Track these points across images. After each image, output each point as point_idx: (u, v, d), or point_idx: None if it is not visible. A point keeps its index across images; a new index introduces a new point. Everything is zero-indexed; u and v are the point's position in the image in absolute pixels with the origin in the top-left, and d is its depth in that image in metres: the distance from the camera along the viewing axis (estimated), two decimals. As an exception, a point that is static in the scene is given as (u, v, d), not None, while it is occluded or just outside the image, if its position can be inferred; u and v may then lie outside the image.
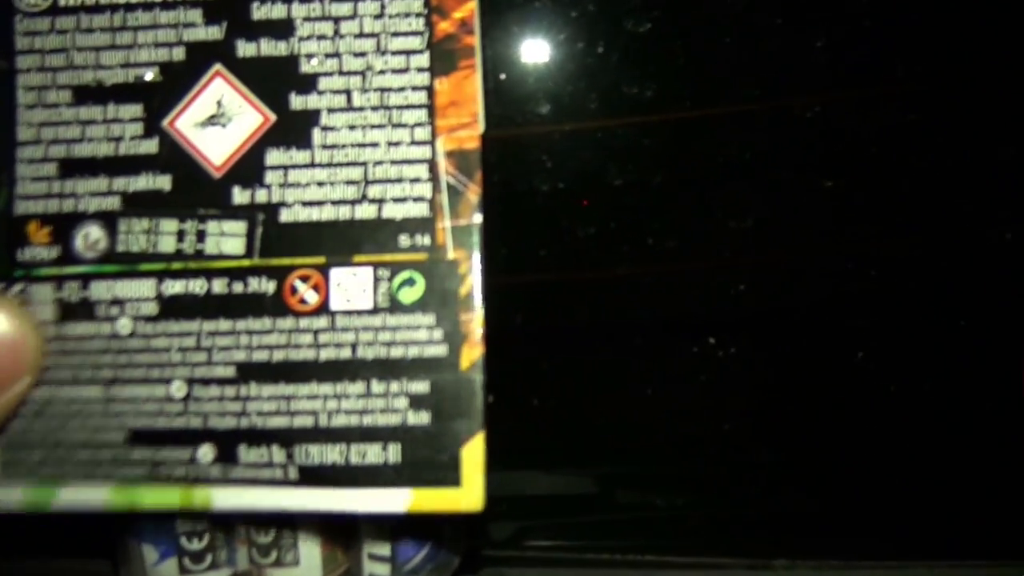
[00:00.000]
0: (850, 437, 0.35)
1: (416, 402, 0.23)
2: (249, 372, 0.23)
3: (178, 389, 0.24)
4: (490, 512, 0.34)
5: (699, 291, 0.32)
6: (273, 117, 0.24)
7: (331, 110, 0.24)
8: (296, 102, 0.24)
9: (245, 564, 0.28)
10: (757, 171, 0.30)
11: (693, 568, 0.32)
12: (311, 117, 0.24)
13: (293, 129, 0.24)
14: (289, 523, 0.27)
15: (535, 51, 0.30)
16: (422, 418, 0.23)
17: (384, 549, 0.28)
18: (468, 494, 0.23)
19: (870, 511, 0.36)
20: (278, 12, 0.24)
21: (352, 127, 0.24)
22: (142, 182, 0.24)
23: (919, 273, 0.32)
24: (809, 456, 0.35)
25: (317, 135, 0.24)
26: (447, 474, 0.23)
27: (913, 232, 0.32)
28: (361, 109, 0.24)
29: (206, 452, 0.23)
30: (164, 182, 0.24)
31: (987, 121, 0.30)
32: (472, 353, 0.23)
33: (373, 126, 0.24)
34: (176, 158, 0.24)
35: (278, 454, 0.23)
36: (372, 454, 0.23)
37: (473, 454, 0.23)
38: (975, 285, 0.32)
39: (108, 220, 0.24)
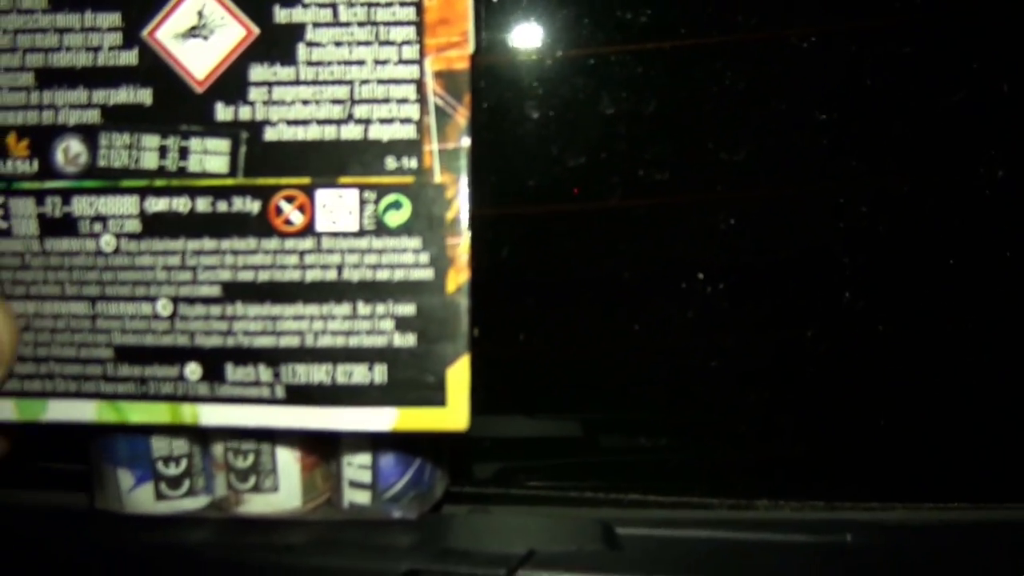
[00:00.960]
0: (834, 379, 0.36)
1: (402, 324, 0.24)
2: (235, 291, 0.24)
3: (164, 307, 0.24)
4: (475, 452, 0.36)
5: (690, 225, 0.33)
6: (256, 30, 0.24)
7: (316, 24, 0.23)
8: (280, 15, 0.23)
9: (223, 490, 0.28)
10: (751, 103, 0.31)
11: (675, 507, 0.34)
12: (296, 32, 0.23)
13: (277, 44, 0.23)
14: (269, 448, 0.28)
15: None
16: (408, 340, 0.24)
17: (365, 476, 0.28)
18: (453, 414, 0.24)
19: (852, 453, 0.37)
20: (262, -83, 0.24)
21: (338, 43, 0.23)
22: (122, 95, 0.24)
23: (911, 210, 0.33)
24: (794, 398, 0.36)
25: (302, 51, 0.23)
26: (433, 394, 0.23)
27: (907, 167, 0.33)
28: (347, 24, 0.23)
29: (193, 370, 0.24)
30: (145, 96, 0.24)
31: (983, 54, 0.30)
32: (458, 277, 0.23)
33: (360, 43, 0.23)
34: (157, 71, 0.24)
35: (265, 373, 0.24)
36: (358, 374, 0.24)
37: (458, 375, 0.24)
38: (966, 222, 0.33)
39: (88, 134, 0.24)
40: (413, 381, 0.24)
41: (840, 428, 0.36)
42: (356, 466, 0.28)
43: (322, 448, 0.28)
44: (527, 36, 0.30)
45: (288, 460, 0.27)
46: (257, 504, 0.27)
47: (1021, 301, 0.33)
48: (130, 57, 0.24)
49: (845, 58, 0.30)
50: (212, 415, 0.24)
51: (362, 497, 0.28)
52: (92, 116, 0.24)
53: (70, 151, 0.24)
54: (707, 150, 0.30)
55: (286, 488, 0.27)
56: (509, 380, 0.35)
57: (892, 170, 0.32)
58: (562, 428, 0.37)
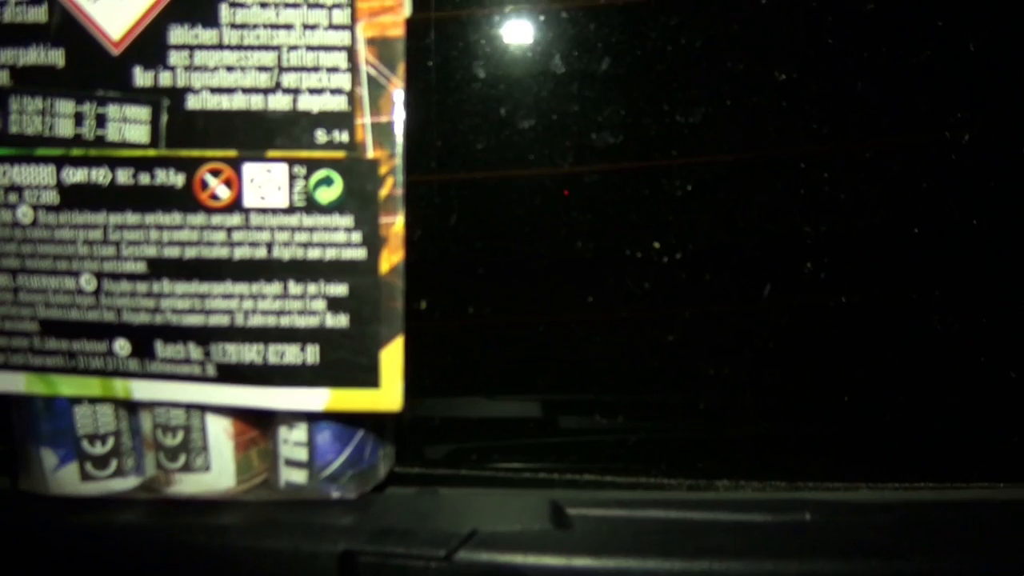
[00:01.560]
0: (797, 356, 0.39)
1: (334, 304, 0.26)
2: (161, 268, 0.26)
3: (87, 282, 0.26)
4: (425, 432, 0.38)
5: (645, 192, 0.35)
6: (177, -11, 0.25)
7: (241, -17, 0.25)
8: (201, -28, 0.25)
9: (152, 470, 0.30)
10: (708, 61, 0.32)
11: (632, 488, 0.37)
12: (219, -9, 0.25)
13: (198, 3, 0.25)
14: (199, 425, 0.30)
15: None
16: (340, 320, 0.26)
17: (301, 454, 0.30)
18: (387, 395, 0.26)
19: (814, 432, 0.41)
20: None
21: (264, 4, 0.25)
22: (32, 55, 0.25)
23: (875, 175, 0.35)
24: (756, 376, 0.39)
25: (225, 11, 0.25)
26: (366, 375, 0.26)
27: (870, 130, 0.35)
28: (275, -16, 0.25)
29: (122, 345, 0.26)
30: (57, 57, 0.25)
31: (951, 12, 0.32)
32: (392, 257, 0.25)
33: (287, 4, 0.25)
34: (69, 30, 0.25)
35: (195, 351, 0.26)
36: (290, 354, 0.26)
37: (392, 356, 0.26)
38: (930, 189, 0.35)
39: (-3, 97, 0.26)
40: (346, 362, 0.26)
41: (804, 407, 0.39)
42: (292, 444, 0.30)
43: (257, 425, 0.30)
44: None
45: (220, 438, 0.29)
46: (189, 484, 0.30)
47: (986, 280, 0.36)
48: (39, 13, 0.25)
49: (807, 13, 0.32)
50: (144, 390, 0.27)
51: (299, 476, 0.30)
52: (1, 78, 0.25)
53: (-23, 116, 0.26)
54: (663, 112, 0.33)
55: (218, 467, 0.30)
56: (461, 359, 0.37)
57: (855, 133, 0.34)
58: (517, 408, 0.40)
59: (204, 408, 0.29)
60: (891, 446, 0.38)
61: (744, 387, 0.38)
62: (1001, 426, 0.37)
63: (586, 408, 0.39)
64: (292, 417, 0.30)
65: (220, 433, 0.29)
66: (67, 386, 0.27)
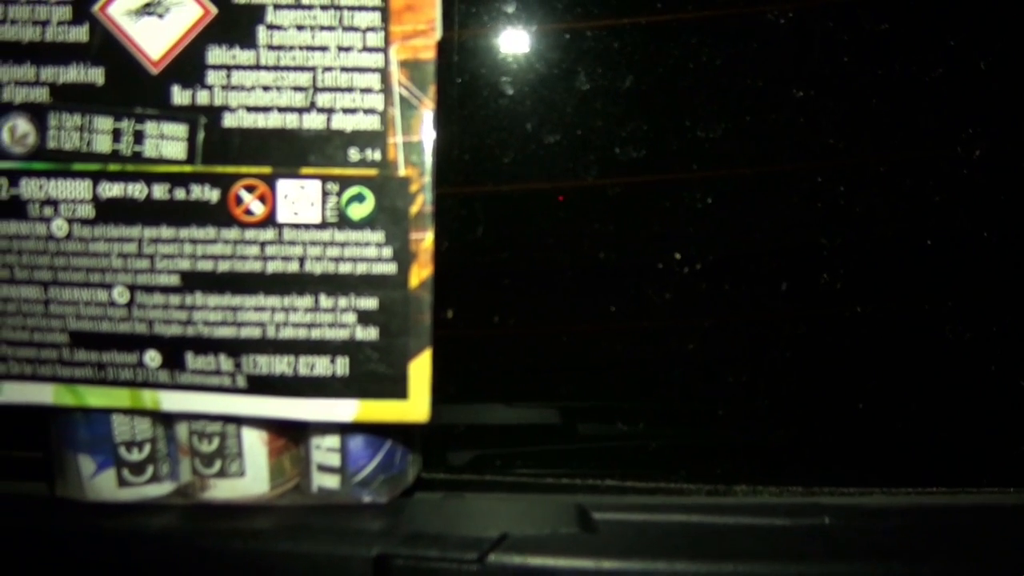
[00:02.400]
0: (814, 364, 0.39)
1: (364, 318, 0.26)
2: (194, 281, 0.26)
3: (120, 294, 0.26)
4: (450, 439, 0.38)
5: (667, 204, 0.35)
6: (214, 10, 0.25)
7: (277, 7, 0.25)
8: (239, -5, 0.25)
9: (188, 475, 0.31)
10: (728, 79, 0.32)
11: (652, 493, 0.37)
12: (256, 13, 0.25)
13: (236, 25, 0.25)
14: (235, 432, 0.30)
15: None
16: (370, 333, 0.26)
17: (334, 459, 0.31)
18: (415, 406, 0.26)
19: (831, 439, 0.41)
20: None
21: (300, 27, 0.25)
22: (72, 73, 0.26)
23: (890, 190, 0.35)
24: (769, 384, 0.39)
25: (262, 34, 0.25)
26: (394, 387, 0.26)
27: (885, 146, 0.35)
28: (310, 8, 0.25)
29: (153, 357, 0.27)
30: (97, 75, 0.26)
31: (960, 30, 0.32)
32: (422, 272, 0.26)
33: (323, 27, 0.25)
34: (109, 49, 0.25)
35: (226, 362, 0.26)
36: (320, 366, 0.26)
37: (420, 369, 0.26)
38: (943, 203, 0.35)
39: (37, 113, 0.26)
40: (375, 374, 0.26)
41: (820, 414, 0.39)
42: (325, 449, 0.30)
43: (290, 432, 0.30)
44: (503, 11, 0.31)
45: (255, 444, 0.30)
46: (223, 489, 0.30)
47: (993, 290, 0.36)
48: (80, 33, 0.25)
49: (822, 34, 0.32)
50: (173, 401, 0.27)
51: (331, 481, 0.30)
52: (40, 95, 0.26)
53: (17, 131, 0.26)
54: (684, 127, 0.33)
55: (253, 473, 0.30)
56: (485, 367, 0.38)
57: (870, 148, 0.34)
58: (539, 415, 0.40)
59: (225, 418, 0.29)
60: (905, 452, 0.38)
61: (761, 394, 0.38)
62: (1012, 432, 0.37)
63: (607, 415, 0.39)
64: (325, 424, 0.30)
65: (254, 439, 0.30)
66: (96, 398, 0.27)
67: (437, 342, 0.27)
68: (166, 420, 0.30)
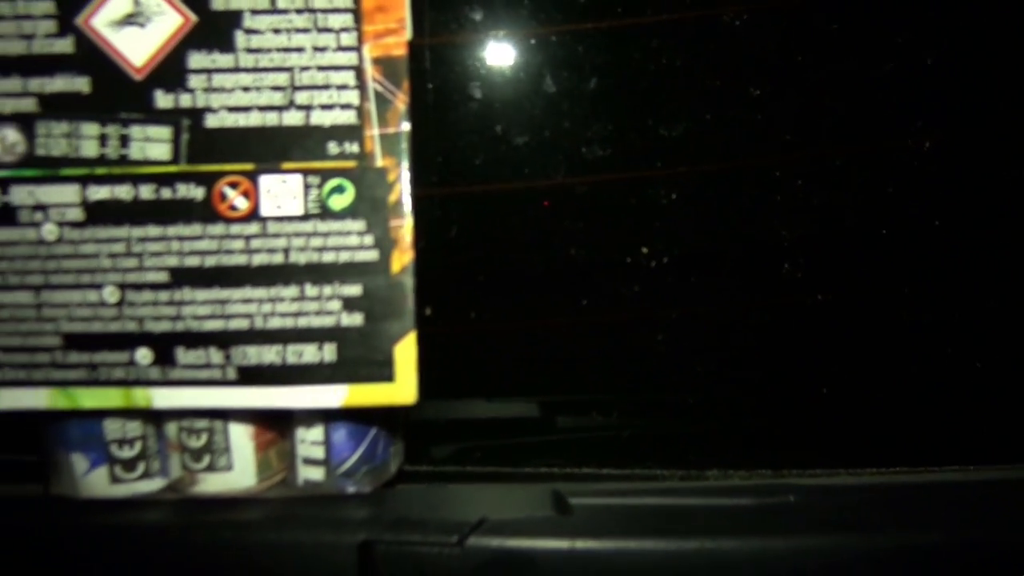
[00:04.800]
0: (775, 354, 0.40)
1: (349, 304, 0.26)
2: (182, 277, 0.26)
3: (111, 294, 0.26)
4: (431, 433, 0.38)
5: (633, 201, 0.35)
6: (194, 18, 0.25)
7: (254, 12, 0.25)
8: (217, 2, 0.25)
9: (178, 471, 0.31)
10: (688, 80, 0.33)
11: (628, 479, 0.38)
12: (233, 18, 0.25)
13: (215, 31, 0.25)
14: (222, 427, 0.30)
15: None
16: (355, 319, 0.26)
17: (318, 452, 0.31)
18: (401, 389, 0.26)
19: (797, 424, 0.41)
20: (194, -98, 0.25)
21: (276, 30, 0.25)
22: (59, 83, 0.26)
23: (844, 182, 0.36)
24: (739, 374, 0.40)
25: (240, 38, 0.25)
26: (381, 370, 0.26)
27: (838, 140, 0.36)
28: (285, 11, 0.25)
29: (144, 355, 0.26)
30: (83, 84, 0.26)
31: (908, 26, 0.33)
32: (402, 258, 0.26)
33: (298, 30, 0.25)
34: (94, 59, 0.26)
35: (216, 355, 0.26)
36: (308, 354, 0.26)
37: (406, 352, 0.26)
38: (898, 192, 0.36)
39: (25, 122, 0.26)
40: (362, 358, 0.26)
41: (786, 401, 0.40)
42: (309, 443, 0.30)
43: (276, 427, 0.30)
44: (472, 14, 0.32)
45: (242, 439, 0.29)
46: (212, 483, 0.30)
47: (953, 274, 0.37)
48: (65, 45, 0.26)
49: (777, 35, 0.33)
50: (165, 398, 0.27)
51: (316, 473, 0.30)
52: (28, 105, 0.26)
53: (7, 140, 0.26)
54: (646, 127, 0.33)
55: (240, 467, 0.30)
56: (464, 363, 0.38)
57: (825, 143, 0.35)
58: (518, 409, 0.40)
59: (216, 411, 0.29)
60: (868, 435, 0.39)
61: (730, 384, 0.38)
62: (968, 414, 0.38)
63: (583, 407, 0.39)
64: (309, 417, 0.30)
65: (241, 434, 0.30)
66: (89, 399, 0.27)
67: (417, 340, 0.27)
68: (156, 417, 0.30)
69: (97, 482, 0.30)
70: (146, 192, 0.26)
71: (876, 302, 0.37)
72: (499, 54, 0.33)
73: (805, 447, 0.38)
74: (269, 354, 0.26)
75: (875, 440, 0.38)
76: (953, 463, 0.36)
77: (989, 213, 0.37)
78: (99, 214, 0.26)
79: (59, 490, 0.30)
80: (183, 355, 0.26)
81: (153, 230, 0.26)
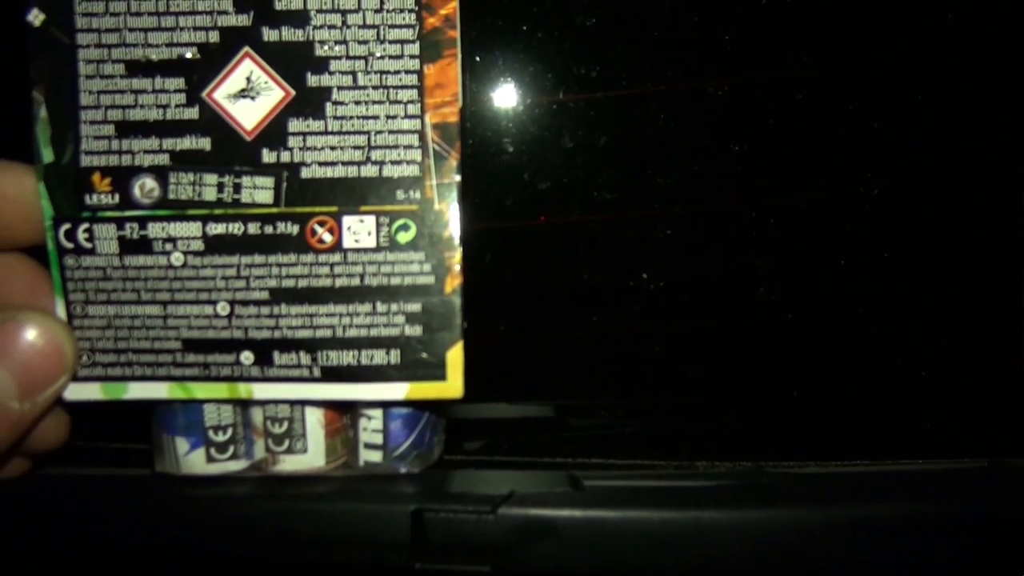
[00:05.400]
0: (754, 363, 0.46)
1: (411, 318, 0.33)
2: (280, 295, 0.32)
3: (223, 308, 0.33)
4: (465, 430, 0.45)
5: (635, 235, 0.42)
6: (293, 92, 0.32)
7: (340, 88, 0.32)
8: (312, 80, 0.32)
9: (262, 453, 0.37)
10: (681, 138, 0.40)
11: (630, 469, 0.44)
12: (324, 93, 0.32)
13: (310, 103, 0.32)
14: (300, 416, 0.36)
15: (506, 39, 0.39)
16: (416, 330, 0.33)
17: (377, 438, 0.37)
18: (452, 386, 0.33)
19: (774, 424, 0.47)
20: (296, 4, 0.32)
21: (357, 102, 0.32)
22: (187, 143, 0.32)
23: (806, 221, 0.43)
24: (726, 380, 0.46)
25: (329, 108, 0.32)
26: (436, 371, 0.33)
27: (802, 189, 0.43)
28: (364, 88, 0.32)
29: (247, 356, 0.33)
30: (205, 143, 0.32)
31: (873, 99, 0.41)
32: (454, 281, 0.32)
33: (374, 102, 0.32)
34: (214, 124, 0.32)
35: (304, 358, 0.33)
36: (378, 357, 0.33)
37: (455, 356, 0.33)
38: (855, 227, 0.43)
39: (160, 173, 0.32)
40: (421, 361, 0.33)
41: (765, 405, 0.46)
42: (370, 431, 0.36)
43: (342, 417, 0.37)
44: (505, 88, 0.39)
45: (315, 427, 0.36)
46: (290, 464, 0.36)
47: (911, 288, 0.43)
48: (192, 113, 0.32)
49: (752, 103, 0.40)
50: (263, 391, 0.33)
51: (374, 456, 0.36)
52: (163, 159, 0.32)
53: (145, 187, 0.32)
54: (646, 175, 0.40)
55: (313, 450, 0.36)
56: (493, 372, 0.44)
57: (790, 190, 0.42)
58: (538, 410, 0.47)
59: (303, 403, 0.35)
60: (833, 433, 0.45)
61: (717, 390, 0.45)
62: (920, 413, 0.44)
63: (592, 409, 0.46)
64: (370, 409, 0.36)
65: (315, 423, 0.36)
66: (201, 391, 0.33)
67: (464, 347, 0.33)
68: (245, 408, 0.36)
69: (196, 462, 0.35)
70: (253, 228, 0.32)
71: (835, 324, 0.43)
72: (526, 117, 0.40)
73: (779, 443, 0.45)
74: (347, 357, 0.33)
75: (839, 438, 0.45)
76: (906, 457, 0.42)
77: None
78: (216, 245, 0.32)
79: (163, 468, 0.36)
80: (279, 357, 0.33)
81: (258, 258, 0.32)
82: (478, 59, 0.39)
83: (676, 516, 0.35)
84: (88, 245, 0.32)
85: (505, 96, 0.40)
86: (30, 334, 0.31)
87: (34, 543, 0.39)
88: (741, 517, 0.35)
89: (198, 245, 0.32)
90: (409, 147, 0.32)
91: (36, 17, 0.32)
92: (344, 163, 0.32)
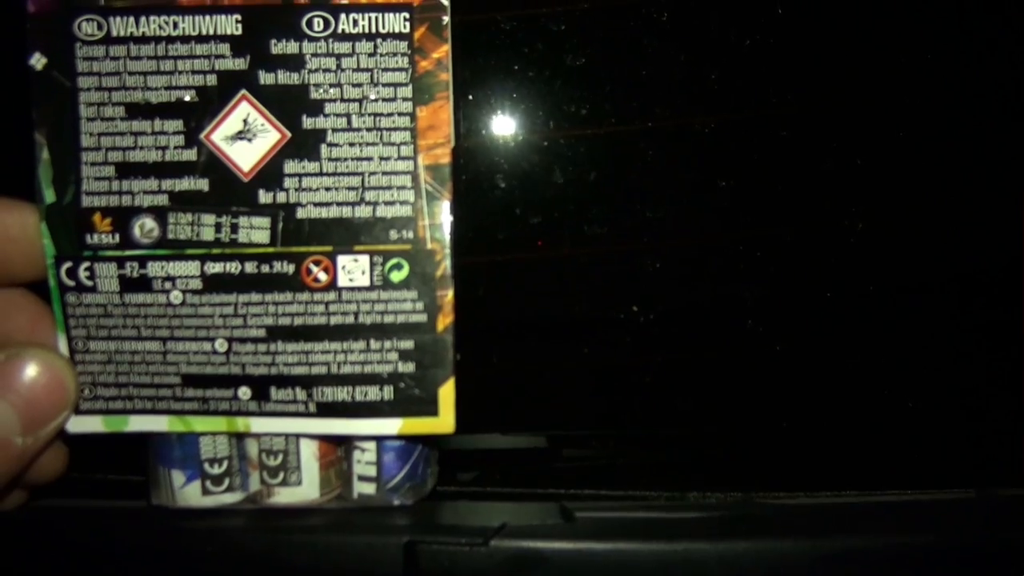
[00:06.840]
0: (741, 395, 0.47)
1: (404, 355, 0.33)
2: (276, 333, 0.33)
3: (221, 345, 0.34)
4: (458, 461, 0.45)
5: (624, 268, 0.43)
6: (289, 134, 0.33)
7: (335, 130, 0.33)
8: (307, 123, 0.33)
9: (256, 486, 0.37)
10: (668, 173, 0.41)
11: (621, 499, 0.44)
12: (319, 135, 0.33)
13: (305, 145, 0.33)
14: (295, 450, 0.37)
15: (495, 79, 0.40)
16: (409, 367, 0.33)
17: (371, 471, 0.37)
18: (443, 421, 0.34)
19: (763, 456, 0.48)
20: (292, 48, 0.33)
21: (352, 144, 0.33)
22: (185, 183, 0.33)
23: (790, 253, 0.44)
24: (714, 413, 0.47)
25: (324, 150, 0.33)
26: (428, 407, 0.33)
27: (788, 222, 0.44)
28: (359, 130, 0.33)
29: (245, 391, 0.34)
30: (203, 184, 0.33)
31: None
32: (445, 320, 0.33)
33: (368, 144, 0.33)
34: (212, 165, 0.33)
35: (300, 393, 0.34)
36: (372, 393, 0.33)
37: (447, 393, 0.33)
38: (840, 260, 0.44)
39: (159, 213, 0.33)
40: (413, 398, 0.33)
41: (754, 437, 0.47)
42: (364, 463, 0.37)
43: (336, 450, 0.37)
44: (497, 125, 0.40)
45: (310, 459, 0.36)
46: (284, 496, 0.36)
47: (899, 320, 0.44)
48: (191, 154, 0.33)
49: (738, 140, 0.41)
50: (261, 425, 0.34)
51: (368, 488, 0.37)
52: (162, 200, 0.33)
53: (145, 227, 0.33)
54: (635, 210, 0.41)
55: (308, 482, 0.36)
56: (486, 403, 0.45)
57: (777, 223, 0.43)
58: (530, 442, 0.47)
59: (299, 436, 0.36)
60: (821, 465, 0.46)
61: (707, 421, 0.45)
62: (908, 443, 0.45)
63: (584, 440, 0.47)
64: (364, 441, 0.37)
65: (309, 455, 0.36)
66: (200, 424, 0.34)
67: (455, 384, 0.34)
68: (240, 441, 0.37)
69: (191, 494, 0.36)
70: (250, 268, 0.33)
71: (823, 356, 0.44)
72: (517, 153, 0.41)
73: (770, 474, 0.45)
74: (342, 393, 0.33)
75: (829, 468, 0.45)
76: (894, 487, 0.43)
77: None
78: (214, 284, 0.33)
79: (159, 500, 0.36)
80: (275, 392, 0.33)
81: (255, 297, 0.33)
82: (471, 97, 0.40)
83: (666, 548, 0.36)
84: (89, 283, 0.33)
85: (497, 133, 0.41)
86: (33, 369, 0.32)
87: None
88: (731, 549, 0.36)
89: (196, 284, 0.33)
90: (402, 188, 0.33)
91: (38, 61, 0.33)
92: (339, 203, 0.33)
